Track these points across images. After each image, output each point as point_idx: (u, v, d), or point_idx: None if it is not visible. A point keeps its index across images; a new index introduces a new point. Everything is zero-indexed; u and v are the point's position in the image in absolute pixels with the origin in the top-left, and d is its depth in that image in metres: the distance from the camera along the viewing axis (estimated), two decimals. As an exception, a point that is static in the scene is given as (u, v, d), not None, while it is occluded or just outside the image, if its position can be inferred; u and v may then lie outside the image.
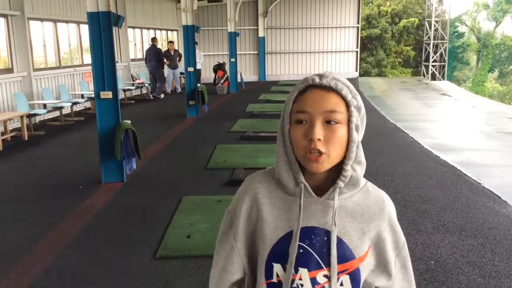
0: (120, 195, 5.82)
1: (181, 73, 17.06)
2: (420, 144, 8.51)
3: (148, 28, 18.58)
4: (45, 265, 3.99)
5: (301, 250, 1.16)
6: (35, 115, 10.15)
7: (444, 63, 25.96)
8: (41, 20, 11.75)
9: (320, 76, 1.14)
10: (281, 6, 22.27)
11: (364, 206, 1.19)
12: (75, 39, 13.55)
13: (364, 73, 30.51)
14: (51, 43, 12.34)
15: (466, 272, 3.76)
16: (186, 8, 11.45)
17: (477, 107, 15.05)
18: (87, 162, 7.15)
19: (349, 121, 1.12)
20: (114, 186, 6.08)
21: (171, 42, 17.09)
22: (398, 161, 7.30)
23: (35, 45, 11.56)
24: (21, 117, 9.22)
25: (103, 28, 5.89)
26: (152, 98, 15.45)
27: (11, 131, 9.40)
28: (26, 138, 9.19)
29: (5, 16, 10.36)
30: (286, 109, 1.16)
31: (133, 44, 17.46)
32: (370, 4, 34.63)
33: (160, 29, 19.55)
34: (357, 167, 1.17)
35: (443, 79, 25.51)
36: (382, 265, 1.21)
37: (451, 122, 11.84)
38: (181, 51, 14.97)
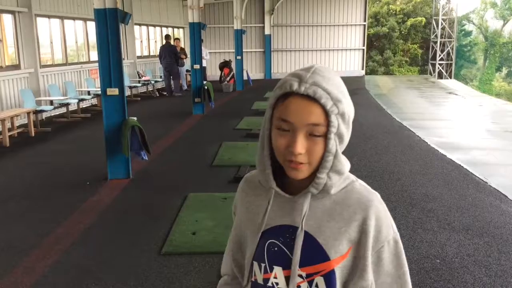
0: (126, 191, 5.85)
1: (187, 71, 17.08)
2: (427, 142, 8.48)
3: (154, 26, 18.61)
4: (52, 261, 4.01)
5: (275, 248, 1.14)
6: (41, 111, 10.21)
7: (451, 62, 25.83)
8: (48, 17, 11.80)
9: (300, 79, 1.05)
10: (287, 4, 22.23)
11: (344, 205, 1.12)
12: (82, 36, 13.60)
13: (370, 71, 30.38)
14: (58, 40, 12.39)
15: (472, 271, 3.75)
16: (193, 6, 11.46)
17: (484, 106, 14.96)
18: (93, 159, 7.18)
19: (327, 131, 1.05)
20: (121, 183, 6.10)
21: (177, 39, 17.08)
22: (404, 160, 7.27)
23: (42, 41, 11.62)
24: (28, 113, 9.27)
25: (110, 25, 5.91)
26: (176, 95, 15.62)
27: (18, 127, 9.46)
28: (33, 135, 9.24)
29: (12, 12, 10.41)
30: (267, 114, 1.11)
31: (139, 41, 17.49)
32: (378, 2, 34.43)
33: (167, 26, 19.58)
34: (333, 176, 1.10)
35: (451, 77, 25.38)
36: (359, 270, 1.11)
37: (457, 121, 11.78)
38: (187, 48, 14.97)
